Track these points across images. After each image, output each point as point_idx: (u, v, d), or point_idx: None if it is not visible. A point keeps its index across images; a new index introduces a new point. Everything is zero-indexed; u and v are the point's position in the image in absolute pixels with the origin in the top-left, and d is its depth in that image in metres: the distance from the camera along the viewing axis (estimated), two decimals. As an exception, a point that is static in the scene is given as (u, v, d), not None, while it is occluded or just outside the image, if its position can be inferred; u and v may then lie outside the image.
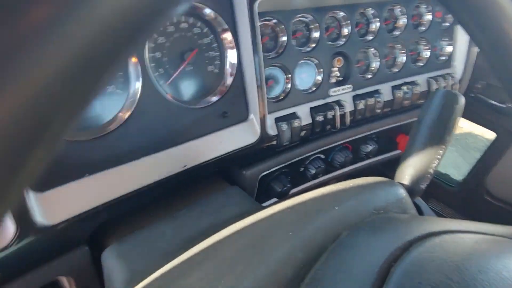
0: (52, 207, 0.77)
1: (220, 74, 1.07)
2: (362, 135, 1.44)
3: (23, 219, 0.73)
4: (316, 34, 1.20)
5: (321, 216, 0.62)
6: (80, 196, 0.82)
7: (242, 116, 1.11)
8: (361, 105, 1.31)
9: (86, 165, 0.82)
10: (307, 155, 1.32)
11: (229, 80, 1.07)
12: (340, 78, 1.31)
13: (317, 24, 1.18)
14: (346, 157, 1.43)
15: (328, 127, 1.27)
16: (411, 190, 0.74)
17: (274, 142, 1.18)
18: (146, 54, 0.90)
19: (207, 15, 0.99)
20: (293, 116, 1.19)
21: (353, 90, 1.32)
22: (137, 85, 0.89)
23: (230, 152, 1.07)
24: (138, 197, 0.93)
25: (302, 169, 1.37)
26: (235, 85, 1.08)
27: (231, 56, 1.06)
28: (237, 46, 1.05)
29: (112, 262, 0.84)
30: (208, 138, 1.04)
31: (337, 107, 1.25)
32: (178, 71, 0.97)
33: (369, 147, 1.50)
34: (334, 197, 0.69)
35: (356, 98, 1.31)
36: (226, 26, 1.02)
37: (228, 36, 1.04)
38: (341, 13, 1.22)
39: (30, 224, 0.74)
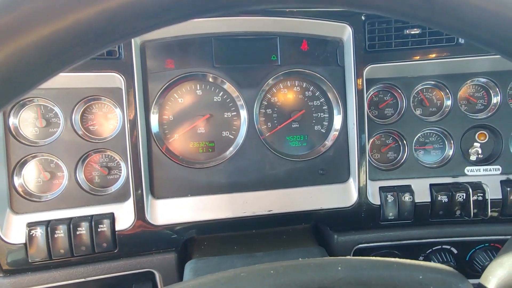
0: (158, 212, 1.03)
1: (325, 135, 1.12)
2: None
3: (140, 214, 1.01)
4: (448, 102, 1.06)
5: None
6: (179, 211, 1.04)
7: (340, 178, 1.09)
8: (514, 194, 1.00)
9: (189, 187, 1.06)
10: (427, 241, 1.10)
11: (331, 141, 1.10)
12: (482, 156, 1.06)
13: (448, 91, 1.05)
14: (495, 262, 1.08)
15: (457, 212, 1.04)
16: None
17: (376, 213, 1.07)
18: (256, 109, 1.08)
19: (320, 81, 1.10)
20: (405, 188, 1.06)
21: (503, 173, 1.03)
22: (242, 132, 1.08)
23: (319, 210, 1.06)
24: (225, 227, 1.07)
25: (421, 258, 1.14)
26: (337, 147, 1.09)
27: (337, 119, 1.10)
28: (344, 110, 1.08)
29: (190, 272, 1.01)
30: (299, 191, 1.08)
31: (471, 190, 1.01)
32: (280, 127, 1.10)
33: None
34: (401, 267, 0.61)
35: (507, 184, 1.02)
36: (335, 91, 1.09)
37: (336, 100, 1.09)
38: (483, 79, 1.03)
39: (143, 219, 1.01)
